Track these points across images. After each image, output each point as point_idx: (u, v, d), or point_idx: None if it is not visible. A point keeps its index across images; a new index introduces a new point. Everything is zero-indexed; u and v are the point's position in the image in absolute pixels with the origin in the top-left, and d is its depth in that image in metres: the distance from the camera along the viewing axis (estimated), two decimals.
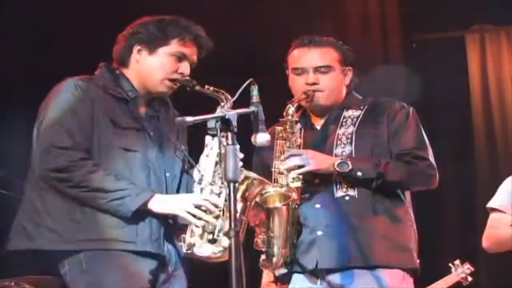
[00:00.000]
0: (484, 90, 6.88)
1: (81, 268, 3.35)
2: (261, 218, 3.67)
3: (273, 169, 3.67)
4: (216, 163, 3.47)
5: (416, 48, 6.85)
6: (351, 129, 3.73)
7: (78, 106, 3.41)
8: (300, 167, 3.61)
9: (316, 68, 3.73)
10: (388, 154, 3.70)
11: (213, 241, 3.41)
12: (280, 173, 3.65)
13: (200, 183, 3.48)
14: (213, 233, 3.41)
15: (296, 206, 3.65)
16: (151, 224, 3.42)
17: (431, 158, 3.73)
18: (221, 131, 3.05)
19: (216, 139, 3.42)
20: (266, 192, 3.63)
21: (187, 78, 3.51)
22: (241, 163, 3.28)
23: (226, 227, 3.35)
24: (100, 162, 3.38)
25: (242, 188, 3.45)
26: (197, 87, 3.47)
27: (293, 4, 6.28)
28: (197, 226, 3.40)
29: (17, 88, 5.60)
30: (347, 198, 3.66)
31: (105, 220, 3.37)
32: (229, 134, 3.05)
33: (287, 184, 3.64)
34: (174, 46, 3.51)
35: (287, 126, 3.69)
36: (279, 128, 3.70)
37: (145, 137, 3.50)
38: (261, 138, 3.19)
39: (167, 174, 3.53)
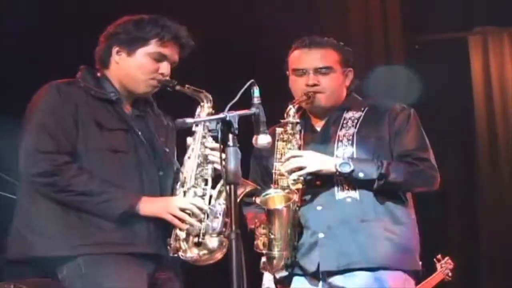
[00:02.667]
0: (487, 91, 6.92)
1: (79, 272, 3.36)
2: (261, 220, 3.70)
3: (273, 171, 3.70)
4: (198, 165, 3.50)
5: (418, 50, 6.89)
6: (352, 130, 3.75)
7: (61, 110, 3.42)
8: (301, 168, 3.63)
9: (316, 69, 3.76)
10: (389, 155, 3.73)
11: (198, 244, 3.45)
12: (281, 175, 3.68)
13: (183, 186, 3.50)
14: (198, 235, 3.45)
15: (297, 208, 3.67)
16: (148, 225, 3.43)
17: (432, 159, 3.76)
18: (222, 132, 3.07)
19: (197, 140, 3.49)
20: (266, 194, 3.66)
21: (167, 78, 3.52)
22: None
23: (211, 229, 3.43)
24: (89, 166, 3.39)
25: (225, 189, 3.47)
26: (178, 87, 3.49)
27: (294, 4, 6.30)
28: (181, 230, 3.44)
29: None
30: (348, 199, 3.68)
31: (102, 224, 3.38)
32: (230, 136, 3.07)
33: (288, 186, 3.66)
34: (152, 47, 3.51)
35: (288, 128, 3.72)
36: (279, 129, 3.72)
37: (134, 137, 3.50)
38: (263, 140, 3.22)
39: (160, 173, 3.54)
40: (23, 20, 5.45)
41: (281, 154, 3.70)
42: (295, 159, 3.65)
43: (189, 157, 3.53)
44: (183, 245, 3.44)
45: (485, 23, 6.97)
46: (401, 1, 6.73)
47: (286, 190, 3.66)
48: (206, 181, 3.52)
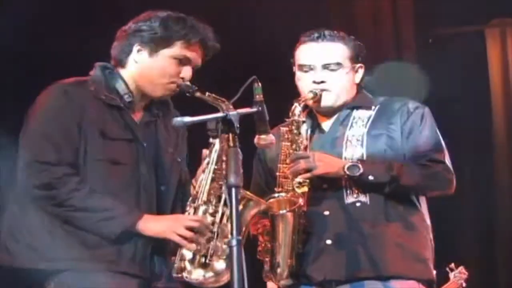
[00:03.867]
0: (505, 87, 6.89)
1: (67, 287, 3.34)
2: (264, 225, 3.67)
3: (278, 173, 3.66)
4: (213, 180, 3.45)
5: (432, 44, 6.87)
6: (361, 130, 3.72)
7: (65, 116, 3.37)
8: (307, 171, 3.59)
9: (324, 65, 3.71)
10: (401, 157, 3.69)
11: (205, 266, 3.39)
12: (286, 177, 3.65)
13: (194, 202, 3.46)
14: (205, 256, 3.40)
15: (303, 213, 3.63)
16: (136, 244, 3.39)
17: (448, 161, 3.73)
18: (222, 132, 3.04)
19: (213, 153, 3.44)
20: (270, 198, 3.63)
21: (188, 83, 3.47)
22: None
23: (220, 251, 3.37)
24: (86, 177, 3.35)
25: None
26: (198, 94, 3.43)
27: None
28: (188, 250, 3.39)
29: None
30: (358, 204, 3.65)
31: (88, 239, 3.35)
32: (231, 136, 3.03)
33: (293, 189, 3.62)
34: (177, 49, 3.47)
35: (293, 127, 3.68)
36: (284, 129, 3.69)
37: (137, 148, 3.46)
38: (265, 140, 3.21)
39: (162, 188, 3.50)
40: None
41: (286, 155, 3.67)
42: (301, 161, 3.60)
43: (203, 171, 3.48)
44: (188, 265, 3.39)
45: (503, 15, 6.94)
46: None
47: (291, 194, 3.62)
48: (219, 197, 3.46)
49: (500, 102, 6.87)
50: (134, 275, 3.38)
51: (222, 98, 3.37)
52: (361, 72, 3.81)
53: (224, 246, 3.37)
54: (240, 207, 3.38)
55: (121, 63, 3.51)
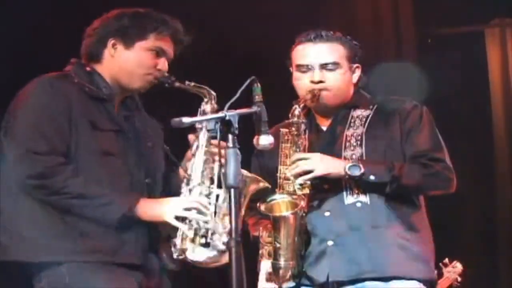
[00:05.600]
0: (505, 87, 6.93)
1: (63, 282, 3.36)
2: (266, 227, 3.72)
3: (278, 175, 3.71)
4: (204, 162, 3.52)
5: (432, 44, 6.91)
6: (360, 130, 3.78)
7: (55, 107, 3.43)
8: (307, 172, 3.65)
9: (322, 65, 3.77)
10: (401, 156, 3.75)
11: (206, 245, 3.44)
12: (286, 179, 3.69)
13: (188, 184, 3.52)
14: (205, 236, 3.44)
15: (304, 214, 3.69)
16: (137, 234, 3.46)
17: (448, 160, 3.78)
18: (221, 132, 3.08)
19: (201, 136, 3.50)
20: (272, 200, 3.68)
21: (166, 74, 3.57)
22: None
23: (219, 229, 3.43)
24: (78, 168, 3.40)
25: None
26: (177, 84, 3.54)
27: None
28: (189, 229, 3.42)
29: None
30: (358, 204, 3.71)
31: (89, 230, 3.39)
32: (230, 136, 3.08)
33: (294, 191, 3.67)
34: (151, 40, 3.57)
35: (293, 128, 3.73)
36: (284, 130, 3.75)
37: (124, 140, 3.54)
38: (264, 140, 3.24)
39: (147, 181, 3.57)
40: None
41: (286, 157, 3.72)
42: (302, 162, 3.66)
43: (193, 155, 3.55)
44: (190, 246, 3.43)
45: (503, 15, 6.99)
46: None
47: (293, 196, 3.67)
48: (211, 179, 3.53)
49: (500, 102, 6.91)
50: (134, 266, 3.44)
51: (204, 86, 3.50)
52: (358, 72, 3.87)
53: (221, 228, 3.43)
54: None
55: (96, 59, 3.60)
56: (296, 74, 3.84)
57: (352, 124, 3.80)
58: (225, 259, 3.39)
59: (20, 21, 5.33)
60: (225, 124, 3.09)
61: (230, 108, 3.14)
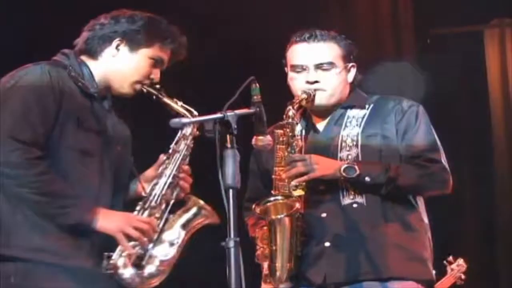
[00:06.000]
0: (503, 87, 6.97)
1: (8, 282, 3.30)
2: (262, 229, 3.74)
3: (274, 176, 3.73)
4: (169, 186, 3.54)
5: (431, 44, 6.94)
6: (356, 130, 3.80)
7: (48, 97, 3.39)
8: (303, 174, 3.67)
9: (317, 65, 3.79)
10: (397, 156, 3.77)
11: (138, 266, 3.45)
12: (282, 180, 3.71)
13: (145, 203, 3.54)
14: (142, 258, 3.46)
15: (300, 216, 3.70)
16: (93, 237, 3.42)
17: (444, 160, 3.79)
18: (219, 133, 3.10)
19: (173, 160, 3.53)
20: (267, 202, 3.69)
21: (157, 86, 3.57)
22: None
23: (155, 256, 3.45)
24: (55, 163, 3.37)
25: (186, 216, 3.56)
26: (165, 99, 3.54)
27: None
28: (131, 248, 3.43)
29: None
30: (355, 205, 3.72)
31: (46, 228, 3.35)
32: (228, 137, 3.10)
33: (290, 193, 3.68)
34: (156, 50, 3.57)
35: (287, 130, 3.73)
36: (278, 131, 3.75)
37: (103, 141, 3.52)
38: (263, 141, 3.26)
39: (116, 184, 3.56)
40: None
41: (281, 158, 3.73)
42: (297, 164, 3.68)
43: (160, 175, 3.57)
44: (123, 262, 3.44)
45: (502, 15, 7.02)
46: None
47: (288, 198, 3.68)
48: (167, 203, 3.55)
49: (499, 102, 6.94)
50: (85, 270, 3.40)
51: (191, 108, 3.50)
52: (353, 71, 3.88)
53: (159, 253, 3.46)
54: (191, 213, 3.56)
55: (93, 55, 3.57)
56: (291, 74, 3.85)
57: (348, 124, 3.82)
58: (151, 284, 3.46)
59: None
60: (224, 125, 3.11)
61: (228, 108, 3.14)
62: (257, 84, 3.27)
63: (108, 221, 3.40)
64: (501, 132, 6.94)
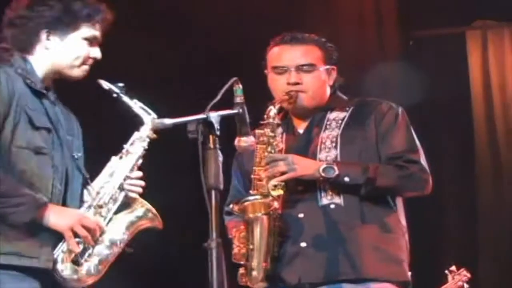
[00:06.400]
0: (486, 89, 7.02)
1: None
2: (239, 228, 3.77)
3: (253, 176, 3.75)
4: (118, 187, 3.55)
5: (413, 46, 6.98)
6: (335, 132, 3.83)
7: (2, 95, 3.34)
8: (282, 173, 3.69)
9: (298, 67, 3.83)
10: (376, 158, 3.81)
11: (76, 263, 3.43)
12: (261, 180, 3.73)
13: (94, 200, 3.53)
14: (81, 255, 3.43)
15: (278, 216, 3.72)
16: (55, 238, 3.40)
17: (423, 161, 3.83)
18: (202, 134, 3.10)
19: (129, 161, 3.55)
20: (245, 201, 3.71)
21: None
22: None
23: (97, 254, 3.45)
24: (9, 163, 3.33)
25: (131, 217, 3.57)
26: (124, 98, 3.54)
27: None
28: (74, 244, 3.40)
29: None
30: (332, 206, 3.75)
31: (8, 230, 3.31)
32: (211, 137, 3.11)
33: (268, 192, 3.71)
34: (85, 30, 3.51)
35: (268, 130, 3.76)
36: (259, 131, 3.77)
37: (53, 139, 3.47)
38: (246, 142, 3.29)
39: (68, 179, 3.52)
40: None
41: (261, 158, 3.76)
42: (277, 163, 3.71)
43: (110, 175, 3.57)
44: (63, 258, 3.41)
45: (484, 17, 7.06)
46: None
47: (267, 197, 3.70)
48: (115, 204, 3.55)
49: (481, 104, 6.99)
50: (46, 271, 3.38)
51: (149, 110, 3.51)
52: (334, 73, 3.92)
53: (99, 252, 3.45)
54: (136, 214, 3.58)
55: (28, 51, 3.50)
56: (272, 76, 3.90)
57: (328, 126, 3.85)
58: (86, 282, 3.45)
59: None
60: (207, 125, 3.12)
61: (211, 109, 3.15)
62: (240, 85, 3.29)
63: (59, 217, 3.37)
64: (484, 133, 6.98)
